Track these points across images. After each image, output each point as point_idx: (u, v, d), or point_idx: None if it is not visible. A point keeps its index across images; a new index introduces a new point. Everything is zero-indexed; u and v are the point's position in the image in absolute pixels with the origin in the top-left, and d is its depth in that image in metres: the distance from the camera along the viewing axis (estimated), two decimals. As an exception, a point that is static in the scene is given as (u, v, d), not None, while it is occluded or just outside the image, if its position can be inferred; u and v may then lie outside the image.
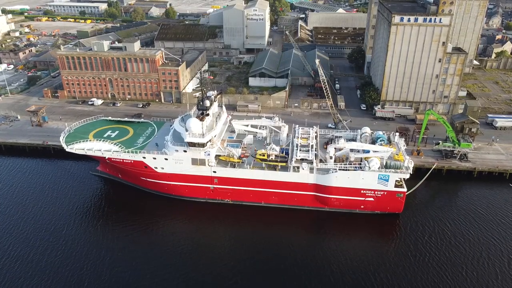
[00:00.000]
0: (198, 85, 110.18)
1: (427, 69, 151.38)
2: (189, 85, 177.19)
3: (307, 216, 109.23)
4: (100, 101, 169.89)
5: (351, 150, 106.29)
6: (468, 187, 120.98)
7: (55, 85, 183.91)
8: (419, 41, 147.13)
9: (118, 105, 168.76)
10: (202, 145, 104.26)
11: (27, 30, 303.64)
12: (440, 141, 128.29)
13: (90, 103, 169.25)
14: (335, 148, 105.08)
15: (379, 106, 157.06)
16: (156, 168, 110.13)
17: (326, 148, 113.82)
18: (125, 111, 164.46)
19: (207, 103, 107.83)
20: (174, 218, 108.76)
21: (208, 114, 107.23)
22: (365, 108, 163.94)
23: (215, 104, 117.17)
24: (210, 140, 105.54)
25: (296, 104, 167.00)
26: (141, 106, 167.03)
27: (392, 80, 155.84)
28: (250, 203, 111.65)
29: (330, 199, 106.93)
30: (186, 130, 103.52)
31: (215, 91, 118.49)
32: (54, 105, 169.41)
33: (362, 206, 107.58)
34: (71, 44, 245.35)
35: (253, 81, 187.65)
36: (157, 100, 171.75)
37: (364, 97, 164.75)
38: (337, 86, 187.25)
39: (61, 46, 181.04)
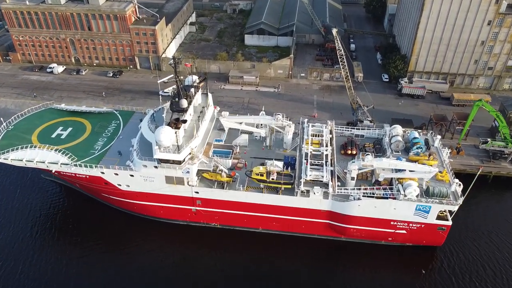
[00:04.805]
0: (172, 75, 78.88)
1: (471, 34, 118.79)
2: (171, 46, 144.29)
3: (317, 245, 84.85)
4: (61, 68, 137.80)
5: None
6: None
7: (8, 44, 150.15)
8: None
9: (83, 73, 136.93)
10: (179, 163, 76.68)
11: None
12: (488, 139, 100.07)
13: (48, 70, 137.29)
14: (358, 168, 77.28)
15: (406, 80, 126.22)
16: (120, 185, 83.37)
17: (344, 153, 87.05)
18: (92, 81, 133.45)
19: (184, 103, 77.94)
20: (151, 245, 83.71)
21: (185, 121, 77.96)
22: (387, 80, 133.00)
23: (198, 94, 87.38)
24: (190, 153, 77.72)
25: (303, 74, 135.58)
26: (111, 74, 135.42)
27: (425, 48, 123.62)
28: (244, 228, 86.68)
29: (349, 229, 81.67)
30: (157, 144, 75.15)
31: (197, 78, 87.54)
32: (4, 73, 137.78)
33: (390, 238, 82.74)
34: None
35: (249, 39, 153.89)
36: (131, 67, 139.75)
37: (387, 66, 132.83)
38: (352, 46, 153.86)
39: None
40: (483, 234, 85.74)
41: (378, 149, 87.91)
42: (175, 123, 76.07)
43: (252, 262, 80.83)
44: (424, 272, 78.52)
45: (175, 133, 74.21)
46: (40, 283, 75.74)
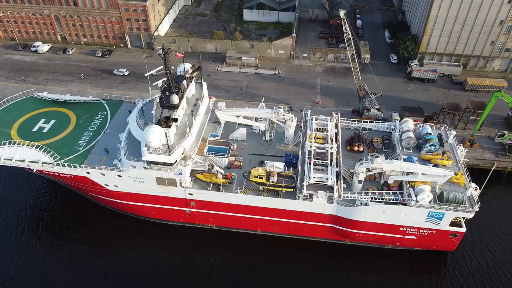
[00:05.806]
0: (161, 67, 70.80)
1: (490, 13, 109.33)
2: (164, 22, 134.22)
3: (319, 248, 79.57)
4: (46, 47, 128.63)
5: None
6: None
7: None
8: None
9: (71, 52, 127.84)
10: (170, 165, 69.99)
11: None
12: (505, 132, 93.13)
13: (33, 49, 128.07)
14: (367, 168, 70.63)
15: (416, 62, 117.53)
16: (108, 185, 77.05)
17: (350, 149, 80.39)
18: (79, 62, 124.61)
19: (175, 99, 70.23)
20: (145, 246, 78.66)
21: (176, 119, 70.52)
22: (396, 61, 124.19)
23: (191, 85, 79.50)
24: (182, 153, 70.91)
25: (306, 55, 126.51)
26: (100, 54, 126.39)
27: (439, 27, 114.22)
28: (241, 230, 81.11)
29: (355, 233, 76.04)
30: (145, 145, 68.09)
31: (190, 67, 79.33)
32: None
33: (398, 243, 77.32)
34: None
35: (248, 15, 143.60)
36: (121, 45, 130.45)
37: (396, 47, 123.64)
38: (359, 22, 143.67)
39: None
40: (498, 236, 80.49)
41: (387, 144, 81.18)
42: (165, 122, 68.76)
43: (251, 264, 76.09)
44: None
45: (165, 133, 67.18)
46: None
